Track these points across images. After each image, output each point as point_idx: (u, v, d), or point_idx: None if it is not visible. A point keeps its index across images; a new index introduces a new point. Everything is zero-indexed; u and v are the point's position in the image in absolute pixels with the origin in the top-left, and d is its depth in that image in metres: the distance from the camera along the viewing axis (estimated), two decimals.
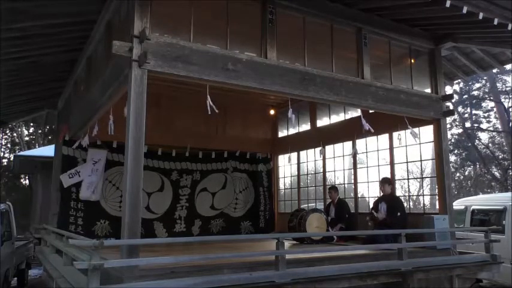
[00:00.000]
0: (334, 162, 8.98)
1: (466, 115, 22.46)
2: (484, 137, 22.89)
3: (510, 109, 20.16)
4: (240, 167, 9.61)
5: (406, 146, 7.25)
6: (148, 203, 8.34)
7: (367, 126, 5.97)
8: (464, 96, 21.87)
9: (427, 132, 6.94)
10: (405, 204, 7.62)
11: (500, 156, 20.90)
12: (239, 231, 9.26)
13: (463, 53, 7.37)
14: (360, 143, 8.16)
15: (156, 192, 8.52)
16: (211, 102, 4.61)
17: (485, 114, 22.19)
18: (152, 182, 8.44)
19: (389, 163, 7.56)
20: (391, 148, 7.48)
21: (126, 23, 4.68)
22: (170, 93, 8.40)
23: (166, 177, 8.69)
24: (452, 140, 22.20)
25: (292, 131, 10.07)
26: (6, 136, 23.73)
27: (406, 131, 6.66)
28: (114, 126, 5.26)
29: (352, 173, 8.36)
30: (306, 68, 5.38)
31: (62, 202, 7.62)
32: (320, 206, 8.89)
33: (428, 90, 6.71)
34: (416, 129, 6.88)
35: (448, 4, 4.61)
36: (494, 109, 21.29)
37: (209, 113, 4.52)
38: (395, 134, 7.17)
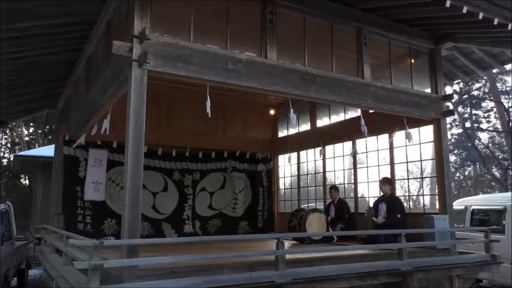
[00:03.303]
0: (334, 162, 8.99)
1: (466, 115, 22.46)
2: (484, 137, 22.92)
3: (510, 109, 20.15)
4: (239, 167, 9.61)
5: (406, 146, 7.25)
6: (154, 203, 8.35)
7: (364, 129, 5.99)
8: (464, 96, 21.86)
9: (427, 132, 6.94)
10: (405, 204, 7.63)
11: (500, 156, 20.90)
12: (237, 231, 9.24)
13: (463, 53, 7.36)
14: (360, 143, 8.16)
15: (161, 192, 8.55)
16: (210, 104, 4.61)
17: (485, 114, 22.19)
18: (155, 182, 8.48)
19: (389, 163, 7.56)
20: (391, 148, 7.48)
21: (126, 23, 4.68)
22: (170, 93, 8.40)
23: (169, 177, 8.71)
24: (452, 140, 22.21)
25: (292, 131, 10.06)
26: (6, 136, 23.74)
27: (405, 131, 6.66)
28: (112, 127, 5.27)
29: (352, 173, 8.36)
30: (306, 68, 5.38)
31: (67, 202, 7.62)
32: (320, 206, 8.89)
33: (428, 90, 6.71)
34: (415, 130, 6.90)
35: (448, 4, 4.61)
36: (494, 109, 21.28)
37: (209, 115, 4.52)
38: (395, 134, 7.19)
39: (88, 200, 7.68)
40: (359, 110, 7.77)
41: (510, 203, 7.79)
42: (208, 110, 4.57)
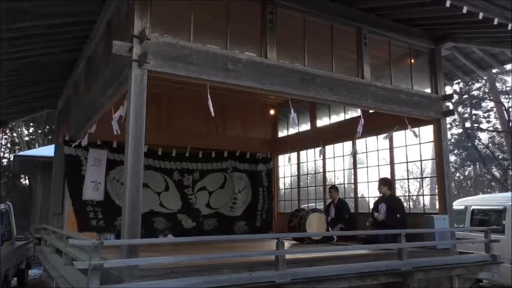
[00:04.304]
0: (334, 162, 8.98)
1: (466, 115, 22.47)
2: (484, 137, 22.93)
3: (510, 109, 20.16)
4: (239, 167, 9.60)
5: (406, 146, 7.25)
6: (160, 201, 8.40)
7: (361, 129, 5.99)
8: (464, 96, 21.87)
9: (427, 132, 6.94)
10: (405, 204, 7.62)
11: (500, 156, 20.92)
12: (233, 230, 9.21)
13: (463, 53, 7.36)
14: (360, 143, 8.16)
15: (163, 192, 8.57)
16: (210, 103, 4.61)
17: (485, 114, 22.21)
18: (157, 182, 8.49)
19: (389, 163, 7.55)
20: (391, 148, 7.48)
21: (126, 23, 4.68)
22: (170, 93, 8.40)
23: (169, 177, 8.70)
24: (452, 140, 22.23)
25: (292, 131, 10.07)
26: (6, 136, 23.75)
27: (404, 131, 6.66)
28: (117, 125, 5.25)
29: (352, 173, 8.36)
30: (306, 68, 5.38)
31: (76, 201, 7.59)
32: (320, 206, 8.88)
33: (428, 90, 6.71)
34: (416, 129, 6.91)
35: (448, 4, 4.61)
36: (494, 109, 21.29)
37: (212, 115, 4.54)
38: (395, 134, 7.18)
39: (87, 200, 7.66)
40: (359, 110, 7.78)
41: (510, 203, 7.79)
42: (212, 110, 4.58)
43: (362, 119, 6.00)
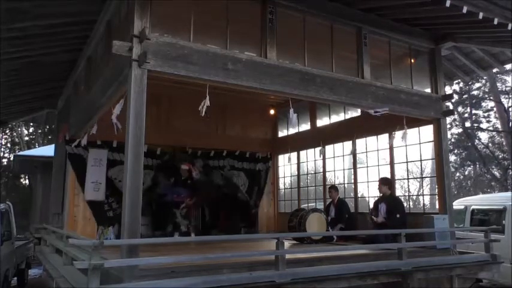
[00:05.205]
0: (334, 162, 8.98)
1: (466, 115, 22.46)
2: (484, 136, 22.91)
3: (510, 109, 20.15)
4: (237, 166, 9.59)
5: (406, 146, 7.25)
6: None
7: (380, 111, 5.86)
8: (464, 96, 21.86)
9: (427, 132, 6.94)
10: (405, 204, 7.62)
11: (500, 156, 20.89)
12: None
13: (463, 52, 7.37)
14: (360, 142, 8.16)
15: None
16: (208, 104, 4.60)
17: (485, 114, 22.18)
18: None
19: (389, 163, 7.56)
20: (391, 148, 7.47)
21: (126, 23, 4.68)
22: (170, 93, 8.39)
23: None
24: (452, 140, 22.20)
25: (292, 130, 10.06)
26: (6, 136, 23.76)
27: (403, 131, 6.65)
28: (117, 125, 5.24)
29: (352, 173, 8.36)
30: (306, 68, 5.38)
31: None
32: (320, 206, 8.88)
33: (428, 90, 6.71)
34: (415, 130, 6.91)
35: (448, 4, 4.61)
36: (494, 109, 21.28)
37: (202, 115, 4.52)
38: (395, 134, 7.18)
39: (110, 189, 7.71)
40: (359, 110, 7.78)
41: (510, 203, 7.79)
42: (204, 109, 4.56)
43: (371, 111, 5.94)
